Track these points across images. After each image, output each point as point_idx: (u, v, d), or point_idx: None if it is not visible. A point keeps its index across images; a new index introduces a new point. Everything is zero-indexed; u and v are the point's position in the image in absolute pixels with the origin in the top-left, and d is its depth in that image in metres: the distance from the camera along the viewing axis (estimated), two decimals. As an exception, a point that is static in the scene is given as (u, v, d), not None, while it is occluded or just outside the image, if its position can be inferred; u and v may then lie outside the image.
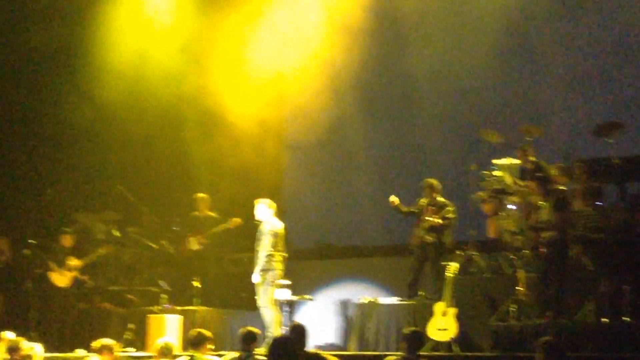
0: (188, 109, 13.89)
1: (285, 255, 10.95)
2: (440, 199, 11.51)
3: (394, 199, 11.56)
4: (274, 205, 11.07)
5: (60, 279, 12.12)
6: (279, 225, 10.97)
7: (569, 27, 13.03)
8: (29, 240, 12.36)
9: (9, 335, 9.55)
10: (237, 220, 12.33)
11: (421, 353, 8.44)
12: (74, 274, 12.13)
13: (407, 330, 8.54)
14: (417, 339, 8.28)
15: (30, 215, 13.47)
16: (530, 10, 13.11)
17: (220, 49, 13.68)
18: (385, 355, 8.53)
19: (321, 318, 13.07)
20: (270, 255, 10.83)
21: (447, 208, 11.37)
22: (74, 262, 12.13)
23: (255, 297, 10.86)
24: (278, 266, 10.88)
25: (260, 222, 10.99)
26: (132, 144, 13.87)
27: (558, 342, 7.83)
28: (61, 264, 12.17)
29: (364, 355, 10.69)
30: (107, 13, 13.84)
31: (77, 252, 12.30)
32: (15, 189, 13.91)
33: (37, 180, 13.92)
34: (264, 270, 10.79)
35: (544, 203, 10.06)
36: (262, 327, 10.73)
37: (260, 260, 10.81)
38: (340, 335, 12.78)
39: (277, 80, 14.26)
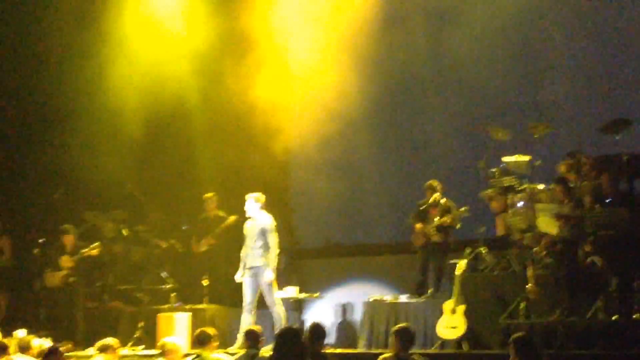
0: (197, 110, 13.91)
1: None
2: (442, 199, 11.55)
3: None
4: (263, 198, 11.05)
5: (51, 278, 12.11)
6: (272, 220, 10.98)
7: (577, 23, 12.99)
8: (39, 240, 12.38)
9: (21, 333, 9.59)
10: (233, 218, 12.28)
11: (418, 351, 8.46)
12: (64, 273, 12.12)
13: (396, 327, 8.50)
14: (408, 336, 8.26)
15: (39, 214, 13.51)
16: (538, 6, 13.09)
17: (229, 51, 13.68)
18: (377, 355, 8.54)
19: (329, 316, 13.10)
20: (277, 253, 10.87)
21: (454, 209, 11.41)
22: (66, 261, 12.13)
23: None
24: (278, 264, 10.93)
25: (250, 217, 10.99)
26: (141, 143, 13.87)
27: (530, 338, 7.85)
28: (56, 264, 12.16)
29: (358, 354, 10.65)
30: (118, 17, 13.87)
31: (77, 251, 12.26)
32: (25, 188, 13.95)
33: (46, 179, 13.97)
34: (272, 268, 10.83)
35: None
36: (268, 325, 10.81)
37: (272, 258, 10.83)
38: (348, 333, 12.79)
39: (285, 81, 14.28)
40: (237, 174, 13.66)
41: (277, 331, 9.75)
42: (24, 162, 14.17)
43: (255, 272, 10.89)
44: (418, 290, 11.51)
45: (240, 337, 10.64)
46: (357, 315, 12.48)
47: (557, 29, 13.09)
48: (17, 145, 14.22)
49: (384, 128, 13.94)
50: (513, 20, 13.09)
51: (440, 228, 11.40)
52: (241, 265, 11.06)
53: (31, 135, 14.23)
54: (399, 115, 13.95)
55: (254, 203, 11.02)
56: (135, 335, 11.47)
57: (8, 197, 13.80)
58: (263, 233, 10.90)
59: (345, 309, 13.10)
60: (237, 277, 11.04)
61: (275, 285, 10.93)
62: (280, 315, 10.80)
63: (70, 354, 10.83)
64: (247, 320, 10.76)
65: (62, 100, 13.94)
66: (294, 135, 14.55)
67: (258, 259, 10.88)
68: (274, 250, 10.89)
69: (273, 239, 10.90)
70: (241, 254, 11.09)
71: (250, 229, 11.03)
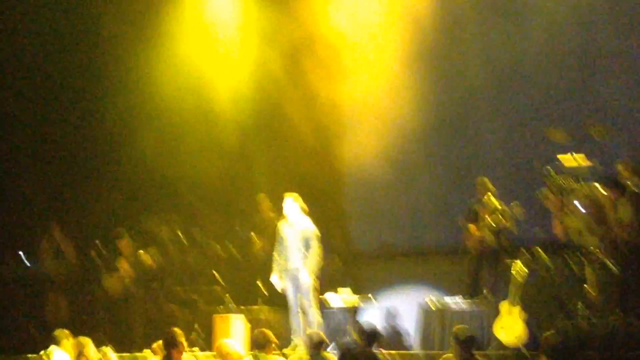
0: (253, 115, 14.00)
1: None
2: (496, 200, 11.44)
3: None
4: (301, 200, 10.99)
5: (109, 282, 12.25)
6: (314, 227, 10.91)
7: (631, 22, 12.81)
8: (96, 242, 12.55)
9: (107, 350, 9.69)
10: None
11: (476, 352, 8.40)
12: (121, 276, 12.25)
13: (458, 331, 8.44)
14: (470, 340, 8.24)
15: (96, 218, 13.70)
16: (594, 8, 12.94)
17: (282, 57, 13.75)
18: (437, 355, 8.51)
19: (383, 319, 13.06)
20: (319, 257, 10.82)
21: (508, 211, 11.29)
22: (122, 264, 12.26)
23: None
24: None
25: (287, 217, 10.92)
26: (196, 148, 14.01)
27: (561, 343, 7.74)
28: (113, 267, 12.31)
29: (414, 355, 10.58)
30: (175, 20, 14.06)
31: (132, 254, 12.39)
32: (81, 193, 14.16)
33: (102, 184, 14.18)
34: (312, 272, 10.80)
35: (622, 200, 9.90)
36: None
37: (312, 262, 10.78)
38: (403, 336, 12.74)
39: (333, 84, 14.35)
40: (292, 179, 13.69)
41: (307, 333, 9.78)
42: (82, 167, 14.38)
43: (295, 274, 10.83)
44: (470, 292, 11.41)
45: (295, 339, 10.65)
46: (411, 318, 12.41)
47: (615, 31, 12.93)
48: (74, 150, 14.43)
49: (435, 128, 13.86)
50: (571, 22, 12.98)
51: (493, 228, 11.29)
52: (275, 266, 10.96)
53: (87, 141, 14.43)
54: (451, 116, 13.86)
55: (293, 203, 10.95)
56: (191, 337, 11.55)
57: (68, 202, 14.02)
58: (305, 238, 10.83)
59: (399, 311, 13.04)
60: (275, 280, 11.00)
61: (315, 291, 10.87)
62: (314, 320, 10.76)
63: (126, 354, 10.97)
64: (298, 322, 10.75)
65: (123, 110, 14.13)
66: (349, 139, 14.59)
67: (298, 261, 10.83)
68: (316, 257, 10.81)
69: (315, 247, 10.82)
70: (275, 256, 11.01)
71: (289, 231, 10.94)
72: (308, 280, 10.75)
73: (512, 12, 13.43)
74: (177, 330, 8.77)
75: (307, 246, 10.78)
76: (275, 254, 11.02)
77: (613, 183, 10.26)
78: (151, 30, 14.04)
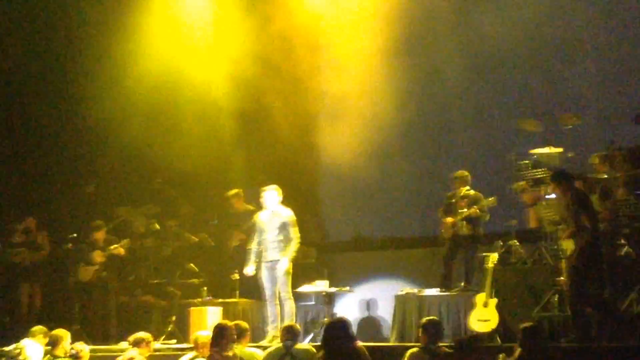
0: (228, 108, 13.96)
1: None
2: (471, 190, 11.49)
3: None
4: (281, 191, 10.97)
5: (84, 273, 12.20)
6: (292, 214, 10.93)
7: (605, 14, 12.91)
8: (71, 235, 12.47)
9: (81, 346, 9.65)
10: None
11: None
12: (96, 268, 12.20)
13: (424, 319, 8.58)
14: (436, 329, 8.31)
15: (71, 209, 13.62)
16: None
17: (260, 51, 13.73)
18: (408, 348, 8.56)
19: (359, 310, 13.11)
20: (298, 247, 10.84)
21: (482, 200, 11.36)
22: (98, 256, 12.21)
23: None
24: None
25: (268, 209, 10.88)
26: (170, 138, 13.95)
27: (537, 328, 7.84)
28: (88, 259, 12.25)
29: (389, 347, 10.63)
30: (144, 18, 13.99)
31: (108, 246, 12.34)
32: (56, 184, 14.07)
33: (77, 175, 14.09)
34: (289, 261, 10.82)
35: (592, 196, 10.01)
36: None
37: (291, 251, 10.80)
38: (378, 327, 12.79)
39: (312, 76, 14.36)
40: (268, 171, 13.67)
41: (284, 325, 9.79)
42: (57, 158, 14.28)
43: (273, 266, 10.83)
44: (446, 283, 11.47)
45: (271, 331, 10.66)
46: (387, 309, 12.47)
47: (587, 20, 13.03)
48: (49, 141, 14.32)
49: (411, 120, 13.91)
50: (543, 13, 13.05)
51: (469, 219, 11.35)
52: (251, 257, 10.92)
53: (62, 133, 14.33)
54: (427, 108, 13.91)
55: (276, 196, 10.96)
56: (167, 330, 11.53)
57: (43, 193, 13.92)
58: (284, 226, 10.84)
59: (374, 302, 13.09)
60: (250, 271, 10.98)
61: (290, 279, 10.89)
62: (292, 310, 10.79)
63: (102, 347, 10.93)
64: (274, 312, 10.75)
65: (98, 102, 14.03)
66: (320, 129, 14.61)
67: (277, 253, 10.84)
68: (295, 243, 10.81)
69: (295, 232, 10.83)
70: (252, 247, 10.96)
71: (268, 222, 10.92)
72: (285, 266, 10.77)
73: (488, 5, 13.49)
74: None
75: (287, 238, 10.80)
76: (252, 244, 11.01)
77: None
78: (126, 22, 13.94)
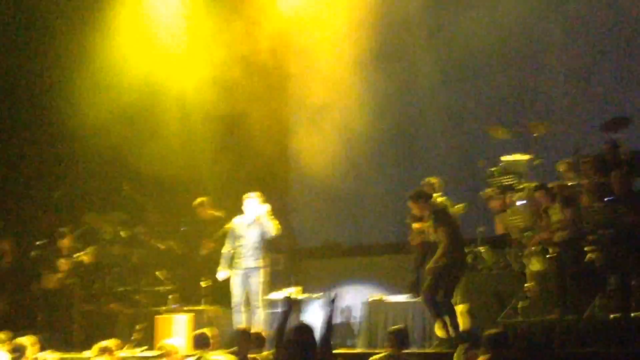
0: (196, 112, 13.92)
1: None
2: (440, 198, 11.51)
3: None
4: (262, 199, 11.00)
5: (49, 281, 12.10)
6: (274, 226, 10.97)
7: (575, 23, 13.00)
8: (36, 242, 12.37)
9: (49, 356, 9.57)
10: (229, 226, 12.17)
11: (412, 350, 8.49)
12: (61, 275, 12.10)
13: (392, 327, 8.67)
14: (403, 336, 8.35)
15: (37, 216, 13.51)
16: (537, 7, 13.11)
17: (231, 57, 13.71)
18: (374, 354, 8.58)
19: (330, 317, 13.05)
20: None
21: (451, 207, 11.38)
22: (63, 264, 12.11)
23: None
24: None
25: (248, 216, 10.89)
26: (138, 144, 13.88)
27: (503, 336, 7.90)
28: (53, 266, 12.15)
29: (357, 354, 10.62)
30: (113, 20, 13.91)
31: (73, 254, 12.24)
32: (23, 190, 13.95)
33: (44, 181, 13.98)
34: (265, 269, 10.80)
35: (554, 206, 10.08)
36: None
37: (261, 258, 10.78)
38: (347, 333, 12.76)
39: (286, 83, 14.37)
40: (238, 177, 13.64)
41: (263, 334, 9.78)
42: (24, 163, 14.16)
43: (248, 274, 10.82)
44: (412, 289, 11.48)
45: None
46: (356, 316, 12.46)
47: (555, 28, 13.12)
48: (16, 146, 14.20)
49: (385, 128, 13.94)
50: (512, 20, 13.11)
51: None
52: (224, 262, 10.93)
53: (30, 138, 14.22)
54: (402, 116, 13.95)
55: (258, 204, 10.93)
56: (133, 337, 11.45)
57: (7, 199, 13.80)
58: (264, 236, 10.84)
59: (344, 309, 13.06)
60: (222, 276, 10.94)
61: (264, 289, 10.87)
62: (262, 318, 10.74)
63: (68, 356, 10.84)
64: (240, 321, 10.72)
65: (62, 102, 13.94)
66: (292, 135, 14.61)
67: (254, 261, 10.82)
68: (274, 229, 10.87)
69: (273, 222, 10.87)
70: (225, 252, 10.97)
71: (247, 229, 10.93)
72: (261, 281, 10.72)
73: (461, 14, 13.55)
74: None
75: (267, 247, 10.81)
76: (225, 249, 10.96)
77: (544, 190, 10.42)
78: (104, 24, 13.88)
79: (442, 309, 9.95)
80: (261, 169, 14.03)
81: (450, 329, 9.91)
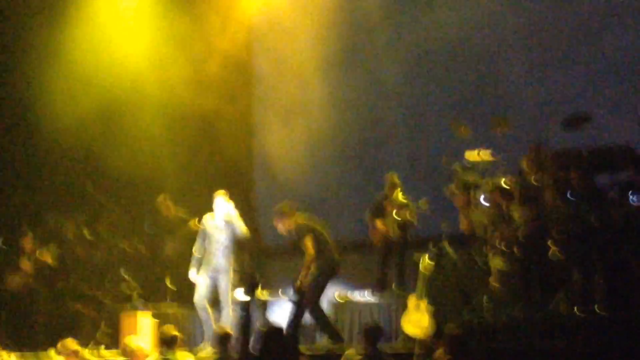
0: (159, 112, 13.84)
1: None
2: (401, 195, 11.57)
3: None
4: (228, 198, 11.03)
5: (11, 281, 11.98)
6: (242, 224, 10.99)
7: (534, 20, 13.14)
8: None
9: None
10: (194, 224, 12.08)
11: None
12: (24, 275, 11.98)
13: (367, 325, 8.92)
14: (377, 333, 8.41)
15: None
16: (495, 11, 13.23)
17: (194, 57, 13.66)
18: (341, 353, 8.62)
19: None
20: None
21: (411, 204, 11.44)
22: (25, 264, 12.00)
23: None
24: None
25: (217, 214, 10.91)
26: (102, 143, 13.78)
27: (463, 338, 7.99)
28: (16, 266, 12.02)
29: (324, 353, 10.63)
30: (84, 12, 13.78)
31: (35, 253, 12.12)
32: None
33: (3, 180, 13.80)
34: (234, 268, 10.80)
35: (513, 206, 10.18)
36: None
37: (231, 257, 10.77)
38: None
39: (250, 84, 14.36)
40: (201, 176, 13.59)
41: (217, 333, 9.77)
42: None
43: (218, 272, 10.80)
44: (378, 287, 11.52)
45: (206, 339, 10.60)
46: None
47: (515, 27, 13.25)
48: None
49: (348, 127, 13.97)
50: (474, 20, 13.22)
51: (399, 223, 11.42)
52: (195, 262, 10.93)
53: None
54: (361, 111, 13.99)
55: (224, 202, 10.92)
56: (97, 337, 11.36)
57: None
58: (232, 233, 10.82)
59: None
60: (193, 276, 10.92)
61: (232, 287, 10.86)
62: (230, 317, 10.73)
63: (28, 354, 10.74)
64: (206, 318, 10.70)
65: (28, 100, 13.78)
66: (256, 131, 14.60)
67: (224, 260, 10.80)
68: (243, 232, 10.92)
69: (241, 227, 10.88)
70: (197, 251, 10.96)
71: (217, 228, 10.89)
72: (230, 280, 10.72)
73: (422, 14, 13.63)
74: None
75: (238, 246, 10.77)
76: (195, 250, 10.90)
77: (501, 191, 10.51)
78: (60, 26, 13.74)
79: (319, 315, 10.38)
80: (227, 167, 14.00)
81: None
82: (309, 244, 10.42)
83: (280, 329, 7.65)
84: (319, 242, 10.51)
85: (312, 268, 10.40)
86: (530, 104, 12.84)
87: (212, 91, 13.67)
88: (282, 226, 10.73)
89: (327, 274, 10.56)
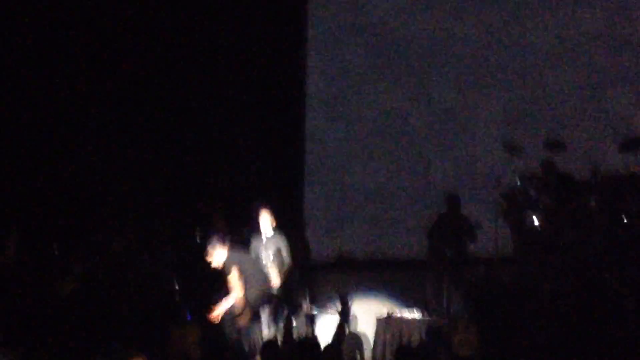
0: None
1: None
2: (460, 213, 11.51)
3: None
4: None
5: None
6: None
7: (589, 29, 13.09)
8: None
9: None
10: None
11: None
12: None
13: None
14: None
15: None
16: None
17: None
18: None
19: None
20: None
21: (474, 224, 11.36)
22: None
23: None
24: None
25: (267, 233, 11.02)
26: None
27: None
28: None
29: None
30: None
31: None
32: None
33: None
34: None
35: None
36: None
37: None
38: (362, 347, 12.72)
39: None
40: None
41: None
42: None
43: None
44: (429, 305, 11.42)
45: None
46: (368, 329, 12.39)
47: (572, 42, 13.17)
48: None
49: (401, 140, 13.96)
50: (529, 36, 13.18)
51: (454, 243, 11.34)
52: None
53: None
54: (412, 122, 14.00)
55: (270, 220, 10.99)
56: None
57: None
58: (280, 251, 10.89)
59: (356, 324, 13.00)
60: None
61: None
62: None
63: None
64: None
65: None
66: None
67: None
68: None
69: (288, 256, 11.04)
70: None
71: (265, 247, 11.05)
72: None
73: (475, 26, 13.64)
74: None
75: (281, 262, 10.86)
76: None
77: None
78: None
79: None
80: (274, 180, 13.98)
81: None
82: None
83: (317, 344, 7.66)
84: None
85: None
86: (586, 123, 12.69)
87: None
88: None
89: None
